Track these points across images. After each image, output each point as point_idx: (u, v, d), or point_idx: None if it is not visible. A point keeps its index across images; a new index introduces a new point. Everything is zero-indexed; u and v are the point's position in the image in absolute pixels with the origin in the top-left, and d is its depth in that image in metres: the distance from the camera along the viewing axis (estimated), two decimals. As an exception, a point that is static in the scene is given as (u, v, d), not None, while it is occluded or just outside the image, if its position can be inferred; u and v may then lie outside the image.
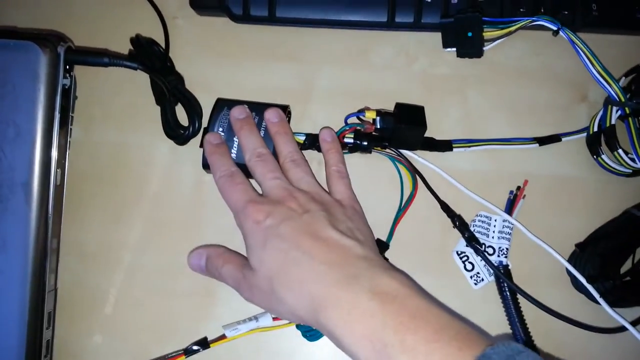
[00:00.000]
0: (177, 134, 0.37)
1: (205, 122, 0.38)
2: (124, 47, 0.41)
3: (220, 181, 0.34)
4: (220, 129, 0.36)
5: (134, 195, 0.39)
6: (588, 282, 0.33)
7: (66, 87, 0.34)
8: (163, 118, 0.38)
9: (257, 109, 0.37)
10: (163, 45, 0.40)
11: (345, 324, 0.27)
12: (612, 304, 0.33)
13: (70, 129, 0.36)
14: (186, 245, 0.37)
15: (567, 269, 0.35)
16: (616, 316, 0.33)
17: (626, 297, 0.33)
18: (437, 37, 0.40)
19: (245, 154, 0.35)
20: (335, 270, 0.29)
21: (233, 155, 0.36)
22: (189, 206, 0.38)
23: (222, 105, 0.37)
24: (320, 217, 0.31)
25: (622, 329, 0.33)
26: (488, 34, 0.39)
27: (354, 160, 0.39)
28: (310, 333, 0.35)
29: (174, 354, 0.36)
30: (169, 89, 0.37)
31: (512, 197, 0.37)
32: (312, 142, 0.37)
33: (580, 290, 0.35)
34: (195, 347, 0.35)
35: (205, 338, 0.36)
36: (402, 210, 0.37)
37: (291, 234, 0.30)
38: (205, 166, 0.37)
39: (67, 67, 0.34)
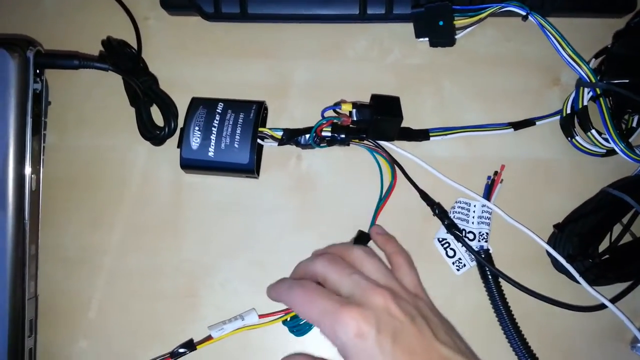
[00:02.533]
0: (153, 135, 0.37)
1: (181, 122, 0.38)
2: (97, 50, 0.40)
3: (289, 293, 0.31)
4: (196, 128, 0.36)
5: (113, 198, 0.38)
6: (567, 261, 0.34)
7: (37, 91, 0.34)
8: (138, 119, 0.38)
9: (233, 106, 0.37)
10: (135, 46, 0.40)
11: None
12: (592, 283, 0.34)
13: (44, 134, 0.36)
14: (166, 246, 0.37)
15: (547, 250, 0.36)
16: (596, 294, 0.34)
17: (605, 275, 0.34)
18: (410, 27, 0.41)
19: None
20: None
21: (211, 153, 0.36)
22: (168, 207, 0.38)
23: (198, 104, 0.37)
24: (424, 327, 0.28)
25: (603, 306, 0.34)
26: (459, 22, 0.39)
27: (333, 153, 0.39)
28: (297, 328, 0.35)
29: (161, 358, 0.35)
30: (143, 89, 0.37)
31: (490, 182, 0.38)
32: (289, 137, 0.38)
33: (560, 270, 0.35)
34: (181, 350, 0.35)
35: (191, 340, 0.36)
36: (382, 201, 0.37)
37: (407, 353, 0.27)
38: (184, 166, 0.37)
39: (38, 71, 0.33)
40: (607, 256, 0.34)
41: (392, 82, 0.41)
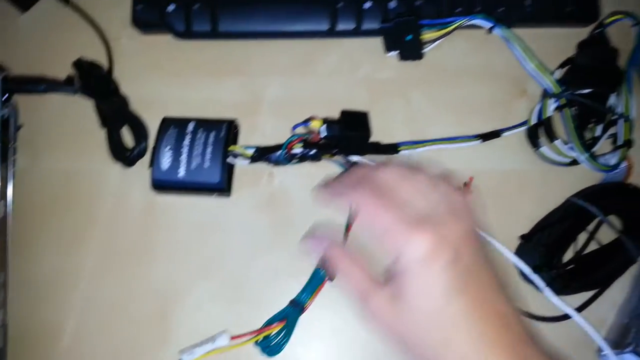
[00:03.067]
0: (124, 157, 0.37)
1: (152, 142, 0.38)
2: (69, 71, 0.41)
3: (356, 193, 0.28)
4: (167, 147, 0.36)
5: (85, 222, 0.38)
6: (534, 272, 0.34)
7: (4, 117, 0.34)
8: (109, 141, 0.38)
9: (204, 125, 0.37)
10: (107, 67, 0.40)
11: None
12: (557, 293, 0.35)
13: (14, 158, 0.36)
14: (140, 269, 0.38)
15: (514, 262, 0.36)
16: (560, 304, 0.34)
17: (570, 285, 0.34)
18: (379, 41, 0.41)
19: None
20: (508, 337, 0.25)
21: (181, 173, 0.36)
22: (141, 228, 0.38)
23: (169, 124, 0.37)
24: (491, 272, 0.26)
25: (567, 316, 0.34)
26: (427, 35, 0.40)
27: (305, 169, 0.39)
28: (269, 349, 0.35)
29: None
30: (113, 111, 0.37)
31: (459, 194, 0.38)
32: (260, 155, 0.38)
33: (527, 281, 0.36)
34: None
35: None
36: (352, 216, 0.38)
37: (467, 281, 0.25)
38: (155, 187, 0.37)
39: (4, 97, 0.34)
40: (571, 266, 0.34)
41: (363, 96, 0.41)
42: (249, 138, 0.40)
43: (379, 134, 0.40)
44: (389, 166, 0.29)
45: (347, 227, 0.37)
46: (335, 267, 0.29)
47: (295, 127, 0.38)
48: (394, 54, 0.41)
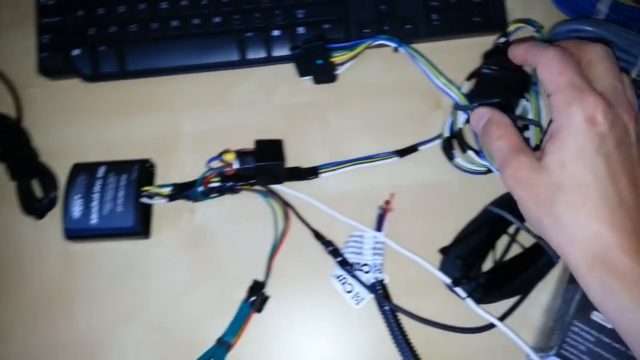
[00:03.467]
0: (34, 209, 0.37)
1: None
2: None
3: (544, 53, 0.29)
4: (78, 196, 0.36)
5: (2, 278, 0.37)
6: (454, 285, 0.34)
7: None
8: (18, 194, 0.37)
9: (115, 168, 0.37)
10: (16, 117, 0.39)
11: (621, 286, 0.25)
12: (481, 302, 0.35)
13: None
14: (61, 321, 0.37)
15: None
16: (483, 314, 0.34)
17: (492, 293, 0.34)
18: (293, 67, 0.41)
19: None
20: (635, 226, 0.26)
21: (94, 220, 0.36)
22: (60, 280, 0.38)
23: (78, 170, 0.37)
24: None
25: (492, 325, 0.35)
26: (337, 58, 0.40)
27: (226, 202, 0.39)
28: None
29: None
30: (21, 164, 0.36)
31: (381, 212, 0.38)
32: (178, 192, 0.37)
33: (454, 292, 0.36)
34: None
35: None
36: (276, 246, 0.38)
37: (616, 162, 0.26)
38: (68, 237, 0.36)
39: None
40: (488, 276, 0.34)
41: (280, 123, 0.41)
42: (168, 176, 0.40)
43: (299, 158, 0.40)
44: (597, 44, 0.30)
45: (283, 234, 0.37)
46: (487, 137, 0.31)
47: (209, 161, 0.38)
48: (308, 78, 0.41)
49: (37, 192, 0.38)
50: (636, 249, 0.25)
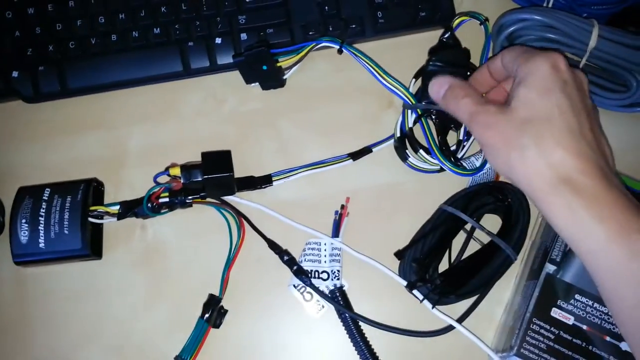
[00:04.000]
0: (-19, 235, 0.36)
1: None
2: None
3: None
4: (23, 220, 0.35)
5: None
6: (409, 288, 0.34)
7: None
8: (-36, 222, 0.36)
9: (60, 190, 0.36)
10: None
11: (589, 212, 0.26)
12: (439, 303, 0.34)
13: None
14: (17, 347, 0.36)
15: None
16: (440, 315, 0.34)
17: (447, 295, 0.34)
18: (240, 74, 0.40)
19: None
20: (595, 155, 0.28)
21: (42, 244, 0.35)
22: (13, 305, 0.37)
23: (23, 194, 0.36)
24: (596, 113, 0.31)
25: (452, 327, 0.34)
26: (283, 62, 0.39)
27: (179, 216, 0.38)
28: None
29: None
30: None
31: (337, 218, 0.38)
32: (126, 210, 0.37)
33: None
34: None
35: None
36: (231, 258, 0.37)
37: (578, 102, 0.29)
38: (17, 262, 0.35)
39: None
40: (443, 279, 0.34)
41: (231, 132, 0.40)
42: (120, 193, 0.39)
43: (253, 167, 0.39)
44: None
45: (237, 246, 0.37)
46: (450, 101, 0.32)
47: (155, 177, 0.37)
48: (256, 84, 0.40)
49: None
50: (595, 174, 0.28)
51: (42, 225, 0.35)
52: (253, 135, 0.40)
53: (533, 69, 0.30)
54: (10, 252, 0.35)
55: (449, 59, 0.38)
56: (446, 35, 0.38)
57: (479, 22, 0.39)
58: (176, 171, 0.36)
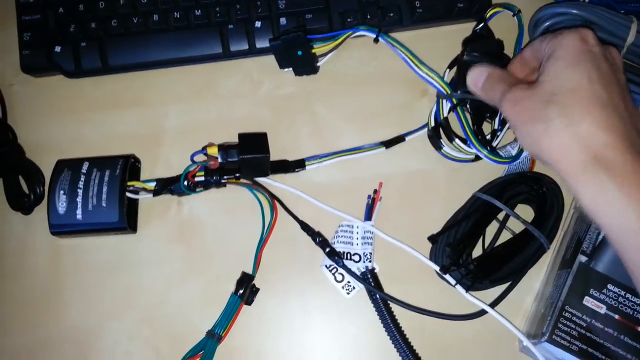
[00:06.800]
0: (21, 204, 0.36)
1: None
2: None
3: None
4: (62, 192, 0.36)
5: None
6: (443, 272, 0.34)
7: None
8: (5, 191, 0.37)
9: (99, 164, 0.36)
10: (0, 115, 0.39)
11: (617, 182, 0.25)
12: (472, 289, 0.34)
13: None
14: (51, 316, 0.37)
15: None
16: (474, 300, 0.34)
17: (480, 281, 0.34)
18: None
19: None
20: (627, 129, 0.27)
21: (79, 216, 0.35)
22: (48, 274, 0.37)
23: (62, 167, 0.37)
24: (626, 86, 0.29)
25: (484, 312, 0.34)
26: (318, 49, 0.39)
27: (213, 195, 0.39)
28: None
29: None
30: (7, 161, 0.36)
31: (370, 202, 0.38)
32: (162, 187, 0.37)
33: (444, 280, 0.36)
34: None
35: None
36: (263, 238, 0.37)
37: (608, 74, 0.28)
38: (54, 232, 0.36)
39: None
40: (477, 263, 0.34)
41: (266, 115, 0.41)
42: (155, 170, 0.39)
43: (286, 150, 0.40)
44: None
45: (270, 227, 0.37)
46: (490, 83, 0.32)
47: (192, 155, 0.37)
48: (288, 70, 0.41)
49: (24, 188, 0.38)
50: (627, 149, 0.26)
51: (80, 197, 0.35)
52: (288, 119, 0.41)
53: (561, 42, 0.29)
54: (48, 223, 0.35)
55: (484, 50, 0.38)
56: (480, 26, 0.39)
57: (513, 13, 0.39)
58: (214, 150, 0.37)
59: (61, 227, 0.35)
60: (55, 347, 0.36)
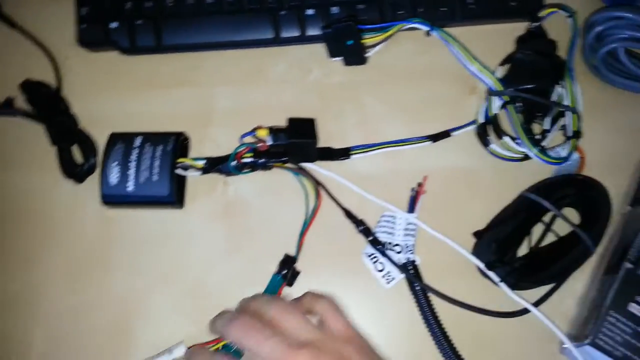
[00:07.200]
0: (74, 173, 0.37)
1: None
2: (18, 93, 0.41)
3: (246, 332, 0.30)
4: (115, 163, 0.36)
5: (41, 239, 0.39)
6: (487, 268, 0.34)
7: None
8: (59, 158, 0.38)
9: (151, 139, 0.37)
10: (56, 86, 0.40)
11: None
12: (514, 287, 0.34)
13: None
14: (97, 282, 0.38)
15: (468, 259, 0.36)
16: (518, 299, 0.34)
17: (526, 279, 0.34)
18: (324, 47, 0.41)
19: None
20: None
21: (130, 187, 0.36)
22: (96, 242, 0.38)
23: (116, 139, 0.37)
24: None
25: (526, 311, 0.34)
26: (368, 40, 0.40)
27: (259, 177, 0.39)
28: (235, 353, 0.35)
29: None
30: (62, 130, 0.37)
31: (413, 194, 0.38)
32: (211, 165, 0.38)
33: (485, 277, 0.36)
34: None
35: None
36: (307, 222, 0.38)
37: None
38: (105, 202, 0.37)
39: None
40: (524, 261, 0.34)
41: (314, 102, 0.41)
42: (202, 149, 0.40)
43: (332, 138, 0.40)
44: (233, 321, 0.31)
45: (314, 211, 0.37)
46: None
47: (243, 136, 0.38)
48: (338, 59, 0.41)
49: (77, 158, 0.39)
50: None
51: (132, 170, 0.36)
52: (334, 107, 0.41)
53: None
54: (100, 193, 0.36)
55: (537, 49, 0.38)
56: (534, 25, 0.39)
57: (567, 15, 0.39)
58: (264, 132, 0.37)
59: (112, 198, 0.36)
60: (99, 312, 0.37)
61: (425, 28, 0.38)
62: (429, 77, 0.41)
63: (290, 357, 0.28)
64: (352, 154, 0.39)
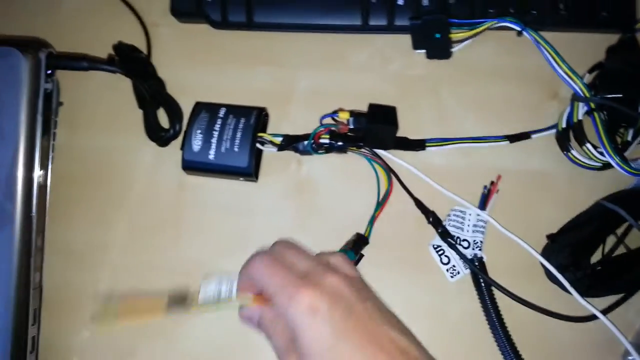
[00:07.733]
0: (159, 137, 0.39)
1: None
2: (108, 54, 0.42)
3: (250, 265, 0.32)
4: (199, 131, 0.37)
5: (119, 197, 0.40)
6: (559, 272, 0.34)
7: (48, 91, 0.36)
8: (145, 121, 0.39)
9: (234, 111, 0.38)
10: (145, 51, 0.42)
11: None
12: (583, 294, 0.34)
13: (54, 132, 0.38)
14: (166, 244, 0.39)
15: (540, 261, 0.36)
16: (587, 305, 0.34)
17: (597, 287, 0.34)
18: (410, 38, 0.42)
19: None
20: None
21: (211, 156, 0.37)
22: (170, 206, 0.40)
23: (201, 108, 0.39)
24: (375, 309, 0.29)
25: (594, 317, 0.34)
26: (456, 35, 0.40)
27: (332, 160, 0.40)
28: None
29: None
30: (150, 92, 0.38)
31: (485, 192, 0.38)
32: (288, 143, 0.39)
33: (553, 281, 0.35)
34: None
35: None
36: (379, 207, 0.38)
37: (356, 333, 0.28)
38: (186, 168, 0.38)
39: (49, 72, 0.35)
40: (599, 268, 0.34)
41: (392, 92, 0.41)
42: (279, 126, 0.41)
43: (407, 129, 0.40)
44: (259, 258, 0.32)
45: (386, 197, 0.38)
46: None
47: (323, 117, 0.39)
48: (421, 51, 0.42)
49: (163, 123, 0.40)
50: None
51: (215, 139, 0.37)
52: (413, 99, 0.41)
53: (294, 319, 0.28)
54: (182, 158, 0.38)
55: (627, 60, 0.37)
56: (627, 36, 0.38)
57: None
58: (345, 115, 0.38)
59: (193, 164, 0.37)
60: (167, 272, 0.38)
61: (517, 28, 0.38)
62: (511, 78, 0.41)
63: (326, 274, 0.30)
64: (428, 146, 0.39)
